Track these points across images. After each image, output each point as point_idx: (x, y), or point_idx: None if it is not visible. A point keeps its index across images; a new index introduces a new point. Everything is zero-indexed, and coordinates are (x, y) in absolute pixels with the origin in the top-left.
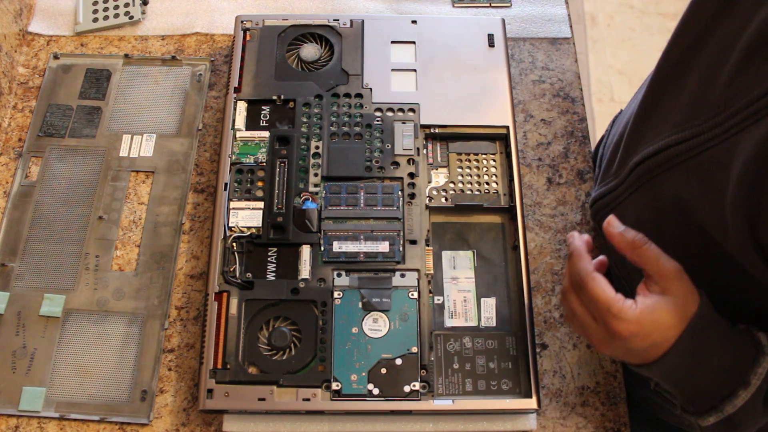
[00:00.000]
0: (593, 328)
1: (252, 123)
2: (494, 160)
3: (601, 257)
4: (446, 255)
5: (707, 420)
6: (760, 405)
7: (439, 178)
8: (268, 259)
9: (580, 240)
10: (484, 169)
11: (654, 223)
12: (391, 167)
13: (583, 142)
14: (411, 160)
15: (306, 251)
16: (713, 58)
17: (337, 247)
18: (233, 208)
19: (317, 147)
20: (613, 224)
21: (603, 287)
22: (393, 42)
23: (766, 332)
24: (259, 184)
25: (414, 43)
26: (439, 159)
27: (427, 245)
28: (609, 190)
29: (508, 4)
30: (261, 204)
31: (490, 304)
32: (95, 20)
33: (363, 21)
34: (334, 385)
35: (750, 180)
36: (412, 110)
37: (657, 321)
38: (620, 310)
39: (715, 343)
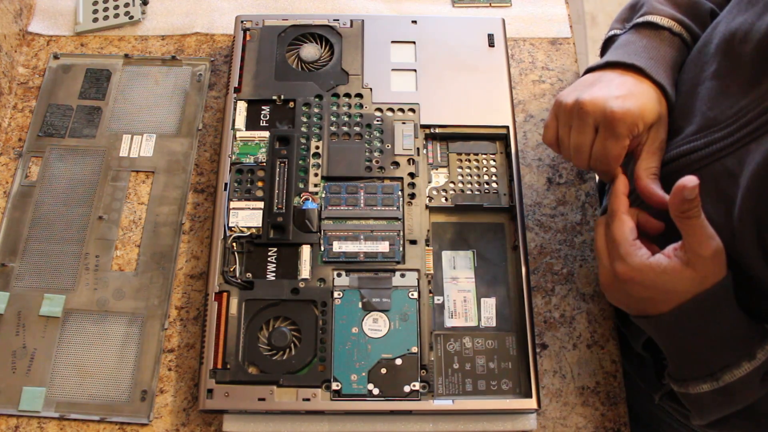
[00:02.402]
0: (604, 265)
1: (252, 123)
2: (494, 160)
3: (639, 213)
4: (446, 255)
5: (701, 387)
6: (758, 380)
7: (439, 178)
8: (268, 259)
9: (623, 182)
10: (484, 169)
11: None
12: (391, 167)
13: None
14: (411, 160)
15: (306, 251)
16: (724, 67)
17: (337, 247)
18: (233, 208)
19: (317, 147)
20: (691, 182)
21: (622, 229)
22: (393, 42)
23: None
24: (259, 184)
25: (414, 43)
26: (439, 159)
27: (427, 245)
28: None
29: (508, 4)
30: (261, 204)
31: (490, 304)
32: (95, 20)
33: (363, 21)
34: (334, 385)
35: (758, 189)
36: (412, 110)
37: (663, 282)
38: (627, 253)
39: (719, 318)
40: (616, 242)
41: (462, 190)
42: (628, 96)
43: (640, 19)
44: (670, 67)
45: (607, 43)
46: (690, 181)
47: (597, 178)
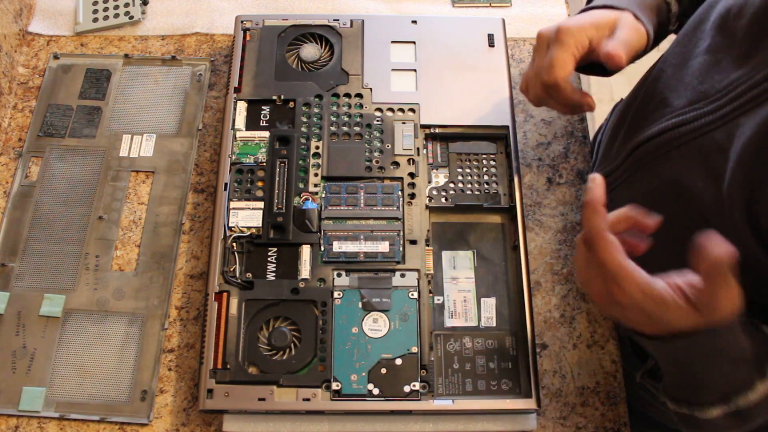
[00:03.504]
0: (597, 289)
1: (252, 123)
2: (494, 160)
3: (624, 211)
4: (446, 255)
5: (710, 413)
6: None
7: (439, 178)
8: (268, 259)
9: (599, 189)
10: (484, 169)
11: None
12: (391, 167)
13: (583, 142)
14: (411, 160)
15: (306, 251)
16: (717, 42)
17: (337, 247)
18: (233, 208)
19: (317, 147)
20: (717, 243)
21: (612, 252)
22: (393, 42)
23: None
24: (259, 184)
25: (414, 43)
26: (439, 159)
27: (427, 245)
28: (606, 173)
29: (508, 4)
30: (261, 204)
31: (490, 304)
32: (95, 20)
33: (363, 21)
34: (334, 385)
35: (749, 162)
36: (412, 110)
37: (662, 313)
38: (625, 279)
39: (726, 346)
40: (611, 269)
41: (462, 190)
42: (583, 16)
43: None
44: (639, 3)
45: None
46: (723, 250)
47: None
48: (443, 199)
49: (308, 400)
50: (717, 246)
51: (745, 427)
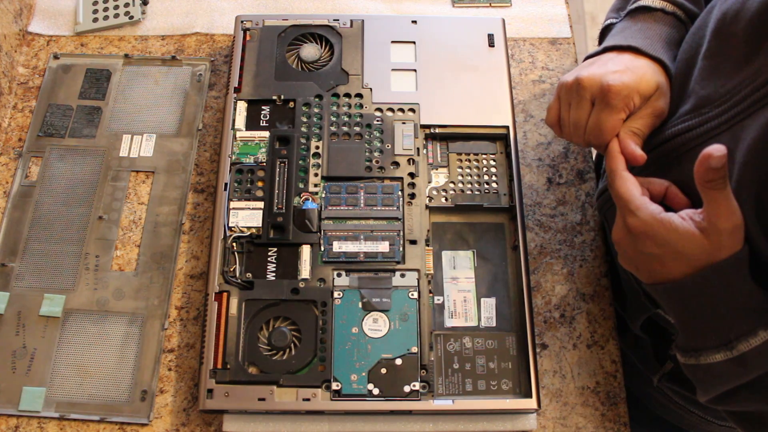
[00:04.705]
0: (618, 223)
1: (252, 123)
2: (494, 160)
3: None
4: (446, 255)
5: (713, 357)
6: None
7: (439, 178)
8: (268, 259)
9: (615, 143)
10: (484, 169)
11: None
12: (391, 167)
13: None
14: (411, 160)
15: (306, 251)
16: (715, 47)
17: (337, 247)
18: (233, 208)
19: (317, 147)
20: (718, 152)
21: (626, 185)
22: (393, 42)
23: None
24: (259, 184)
25: (414, 43)
26: (439, 159)
27: (427, 245)
28: None
29: (508, 4)
30: (261, 204)
31: (490, 304)
32: (95, 20)
33: (363, 21)
34: (334, 385)
35: (754, 163)
36: (412, 110)
37: (673, 241)
38: (637, 207)
39: (734, 288)
40: (625, 199)
41: (462, 190)
42: (625, 71)
43: (633, 6)
44: (667, 43)
45: (604, 32)
46: (717, 150)
47: (596, 177)
48: (443, 199)
49: (308, 400)
50: (709, 150)
51: (743, 374)
